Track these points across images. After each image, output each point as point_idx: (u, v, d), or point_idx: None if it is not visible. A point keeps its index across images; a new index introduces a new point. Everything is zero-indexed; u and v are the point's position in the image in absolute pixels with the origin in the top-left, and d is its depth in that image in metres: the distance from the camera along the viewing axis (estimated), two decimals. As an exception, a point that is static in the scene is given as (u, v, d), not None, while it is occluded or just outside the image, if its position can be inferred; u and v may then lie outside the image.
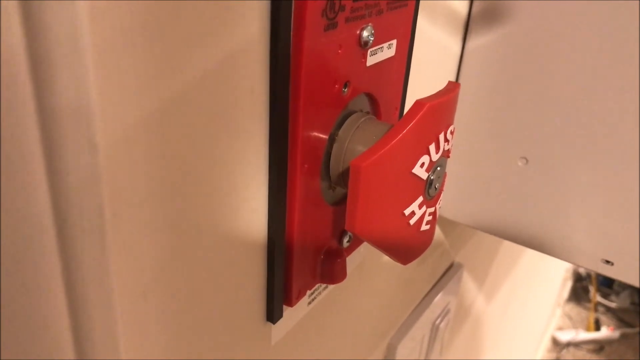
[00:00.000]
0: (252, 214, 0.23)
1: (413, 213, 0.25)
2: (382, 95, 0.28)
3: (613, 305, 2.30)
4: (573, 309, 2.32)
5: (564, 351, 2.15)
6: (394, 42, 0.28)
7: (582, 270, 2.27)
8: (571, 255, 0.38)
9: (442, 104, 0.24)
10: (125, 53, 0.15)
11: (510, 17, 0.35)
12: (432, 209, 0.26)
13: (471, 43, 0.37)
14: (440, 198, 0.27)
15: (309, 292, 0.29)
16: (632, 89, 0.32)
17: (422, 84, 0.34)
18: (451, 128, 0.25)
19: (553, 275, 1.85)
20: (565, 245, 0.38)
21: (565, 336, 2.16)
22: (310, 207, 0.25)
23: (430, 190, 0.26)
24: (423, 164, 0.24)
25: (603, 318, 2.31)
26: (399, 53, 0.28)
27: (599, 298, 2.30)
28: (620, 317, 2.29)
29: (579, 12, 0.33)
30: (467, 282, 0.65)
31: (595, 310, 2.28)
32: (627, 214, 0.35)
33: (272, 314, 0.26)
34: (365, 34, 0.25)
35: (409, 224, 0.25)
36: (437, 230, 0.47)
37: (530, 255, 1.07)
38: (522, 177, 0.38)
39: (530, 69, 0.35)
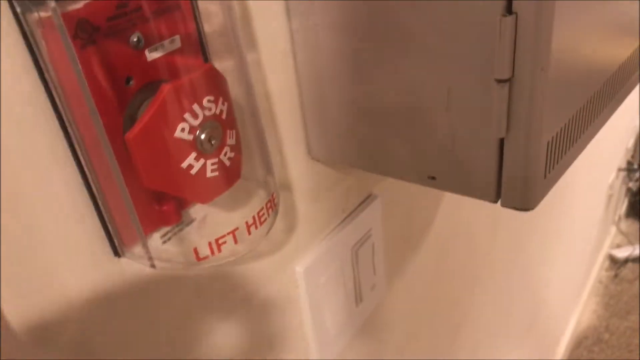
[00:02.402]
0: (70, 192, 0.33)
1: (191, 165, 0.34)
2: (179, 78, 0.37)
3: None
4: (630, 226, 2.29)
5: (623, 268, 2.14)
6: (177, 37, 0.36)
7: (632, 185, 2.23)
8: (405, 175, 0.45)
9: (185, 83, 0.33)
10: None
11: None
12: (214, 160, 0.35)
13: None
14: (228, 151, 0.36)
15: (160, 232, 0.39)
16: None
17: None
18: (209, 97, 0.34)
19: (596, 193, 1.85)
20: (398, 166, 0.45)
21: (622, 253, 2.15)
22: (116, 176, 0.35)
23: (204, 146, 0.34)
24: (184, 129, 0.33)
25: (664, 231, 2.26)
26: (187, 44, 0.37)
27: (656, 210, 2.25)
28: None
29: None
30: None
31: (654, 223, 2.23)
32: (434, 134, 0.42)
33: (116, 251, 0.36)
34: (133, 39, 0.33)
35: (190, 174, 0.34)
36: (342, 169, 0.55)
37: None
38: (358, 120, 0.45)
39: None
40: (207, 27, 0.39)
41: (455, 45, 0.38)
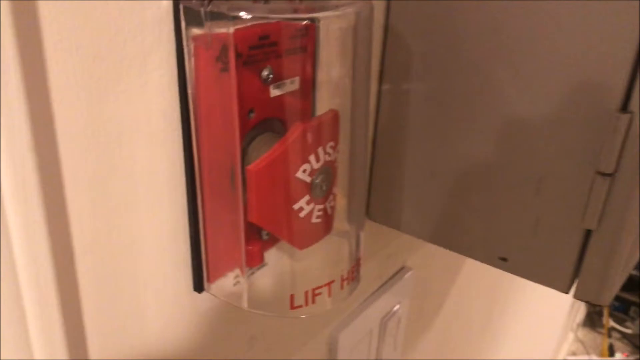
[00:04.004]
0: (173, 214, 0.31)
1: (302, 208, 0.33)
2: (291, 119, 0.36)
3: (628, 331, 2.30)
4: (587, 335, 2.32)
5: (577, 376, 2.16)
6: (297, 79, 0.36)
7: (594, 295, 2.28)
8: (473, 252, 0.45)
9: (316, 126, 0.32)
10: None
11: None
12: (321, 206, 0.34)
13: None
14: (331, 199, 0.35)
15: (233, 274, 0.37)
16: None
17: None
18: (331, 144, 0.33)
19: (560, 300, 1.88)
20: (467, 242, 0.45)
21: (577, 361, 2.17)
22: (221, 207, 0.33)
23: (316, 191, 0.33)
24: (305, 170, 0.32)
25: (618, 344, 2.30)
26: (302, 87, 0.36)
27: (613, 323, 2.30)
28: (635, 344, 2.29)
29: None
30: (433, 289, 0.72)
31: (609, 335, 2.27)
32: (517, 215, 0.42)
33: (197, 287, 0.34)
34: (264, 73, 0.33)
35: (299, 216, 0.33)
36: (387, 234, 0.54)
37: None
38: (433, 190, 0.45)
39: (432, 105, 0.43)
40: (321, 76, 0.38)
41: (561, 132, 0.38)
